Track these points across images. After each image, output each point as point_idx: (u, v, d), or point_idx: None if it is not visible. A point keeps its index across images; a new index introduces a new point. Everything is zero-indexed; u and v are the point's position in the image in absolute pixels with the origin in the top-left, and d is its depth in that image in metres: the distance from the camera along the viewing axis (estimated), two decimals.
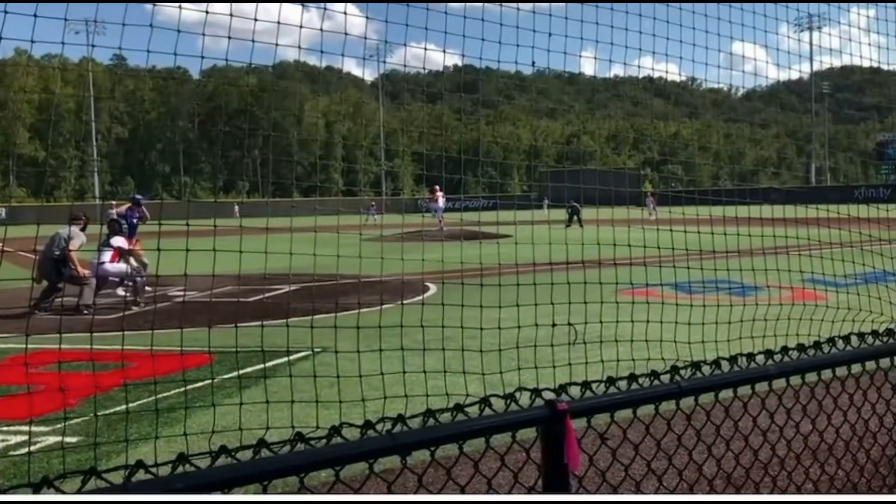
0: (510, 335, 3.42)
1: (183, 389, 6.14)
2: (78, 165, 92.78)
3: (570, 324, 3.04)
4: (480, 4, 4.31)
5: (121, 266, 13.03)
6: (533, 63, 4.22)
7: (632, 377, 2.24)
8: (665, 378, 2.37)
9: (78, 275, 12.39)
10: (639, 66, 4.53)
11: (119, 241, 13.39)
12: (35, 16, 3.23)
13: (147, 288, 13.59)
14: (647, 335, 3.43)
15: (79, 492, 1.50)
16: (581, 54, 5.04)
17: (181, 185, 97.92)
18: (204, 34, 3.43)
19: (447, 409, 1.90)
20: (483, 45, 4.15)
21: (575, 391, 2.14)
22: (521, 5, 4.14)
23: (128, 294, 13.16)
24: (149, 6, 3.65)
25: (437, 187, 27.73)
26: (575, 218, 34.15)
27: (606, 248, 3.90)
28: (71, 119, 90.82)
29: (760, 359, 2.72)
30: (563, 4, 4.34)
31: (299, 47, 3.65)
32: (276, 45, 3.45)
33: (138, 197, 16.59)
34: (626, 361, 3.09)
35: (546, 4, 4.32)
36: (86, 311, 11.97)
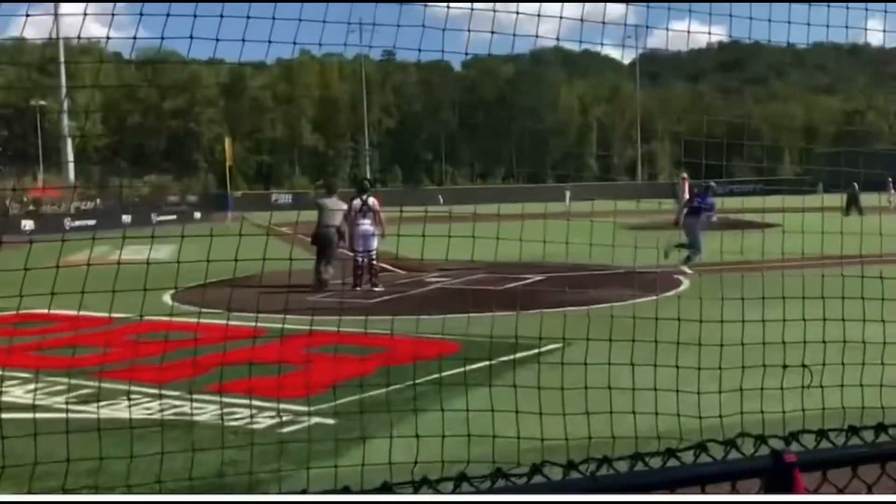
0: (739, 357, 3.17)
1: (438, 376, 6.40)
2: (352, 155, 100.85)
3: (804, 365, 2.75)
4: None
5: (375, 239, 13.55)
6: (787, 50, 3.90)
7: (880, 427, 1.97)
8: None
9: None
10: None
11: (373, 201, 13.68)
12: (324, 21, 3.68)
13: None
14: None
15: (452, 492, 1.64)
16: (866, 27, 4.67)
17: (442, 172, 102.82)
18: (469, 30, 3.62)
19: (657, 454, 1.80)
20: (751, 23, 3.96)
21: (809, 439, 1.93)
22: None
23: (368, 282, 13.42)
24: (420, 6, 3.93)
25: (684, 176, 25.86)
26: (853, 206, 30.66)
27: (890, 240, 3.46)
28: (346, 112, 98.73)
29: None
30: None
31: (557, 38, 3.69)
32: (537, 36, 3.54)
33: (713, 184, 16.59)
34: (873, 408, 2.69)
35: None
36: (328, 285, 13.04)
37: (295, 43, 3.91)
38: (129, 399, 5.96)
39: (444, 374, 6.88)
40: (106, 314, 4.81)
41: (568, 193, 45.93)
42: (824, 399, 2.55)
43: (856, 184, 31.98)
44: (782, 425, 2.09)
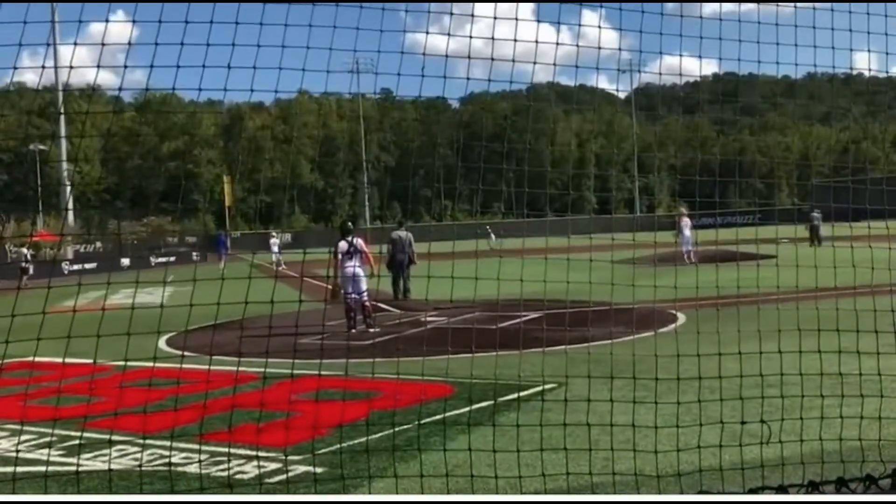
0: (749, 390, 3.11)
1: (417, 423, 6.32)
2: (351, 193, 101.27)
3: (762, 421, 2.69)
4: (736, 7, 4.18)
5: (364, 280, 13.37)
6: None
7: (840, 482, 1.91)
8: None
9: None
10: None
11: (359, 241, 13.51)
12: (303, 69, 3.78)
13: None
14: None
15: None
16: (851, 66, 4.78)
17: (441, 208, 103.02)
18: (467, 76, 3.64)
19: None
20: (742, 51, 4.09)
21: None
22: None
23: (363, 323, 13.31)
24: (410, 44, 4.02)
25: (683, 211, 25.86)
26: (815, 236, 29.87)
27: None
28: (344, 151, 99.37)
29: None
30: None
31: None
32: (531, 82, 3.57)
33: None
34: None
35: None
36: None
37: (276, 90, 3.95)
38: (145, 450, 5.87)
39: (447, 414, 6.80)
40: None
41: (492, 233, 46.12)
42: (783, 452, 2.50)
43: (816, 213, 31.25)
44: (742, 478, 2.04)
